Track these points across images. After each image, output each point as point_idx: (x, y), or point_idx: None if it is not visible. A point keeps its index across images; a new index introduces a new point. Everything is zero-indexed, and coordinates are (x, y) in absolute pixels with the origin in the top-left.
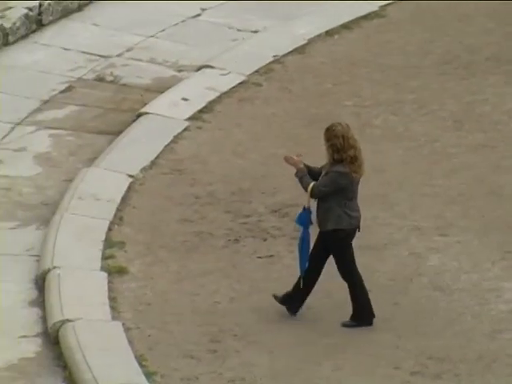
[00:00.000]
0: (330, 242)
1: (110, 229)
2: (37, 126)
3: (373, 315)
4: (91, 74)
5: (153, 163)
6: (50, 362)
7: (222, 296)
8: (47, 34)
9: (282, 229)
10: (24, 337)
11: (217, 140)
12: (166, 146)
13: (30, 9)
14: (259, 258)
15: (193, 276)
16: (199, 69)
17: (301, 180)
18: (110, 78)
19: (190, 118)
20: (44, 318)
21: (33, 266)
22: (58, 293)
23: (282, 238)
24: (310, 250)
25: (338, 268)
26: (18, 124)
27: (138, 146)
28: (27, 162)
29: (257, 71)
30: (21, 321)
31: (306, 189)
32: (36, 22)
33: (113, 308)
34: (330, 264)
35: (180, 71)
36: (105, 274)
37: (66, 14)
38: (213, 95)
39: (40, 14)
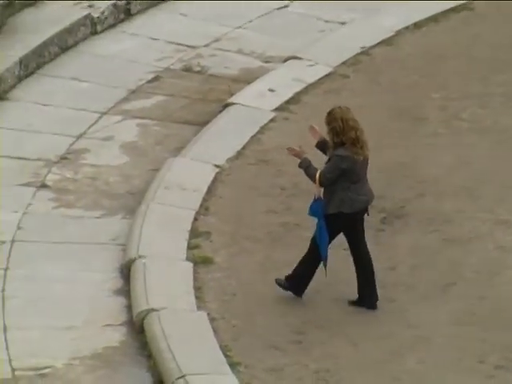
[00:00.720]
0: (331, 224)
1: (195, 219)
2: (123, 115)
3: (376, 298)
4: (178, 64)
5: (239, 153)
6: (135, 351)
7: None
8: (135, 24)
9: (367, 220)
10: (109, 326)
11: (303, 131)
12: (252, 137)
13: None
14: (344, 249)
15: (277, 267)
16: (286, 60)
17: (306, 170)
18: (197, 69)
19: (276, 109)
20: (129, 307)
21: (118, 255)
22: (143, 282)
23: (368, 229)
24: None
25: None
26: (105, 113)
27: (225, 137)
28: (114, 151)
29: (344, 63)
30: (106, 310)
31: (312, 178)
32: (124, 12)
33: (198, 298)
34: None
35: (267, 62)
36: (190, 264)
37: (154, 3)
38: (300, 86)
39: (128, 3)
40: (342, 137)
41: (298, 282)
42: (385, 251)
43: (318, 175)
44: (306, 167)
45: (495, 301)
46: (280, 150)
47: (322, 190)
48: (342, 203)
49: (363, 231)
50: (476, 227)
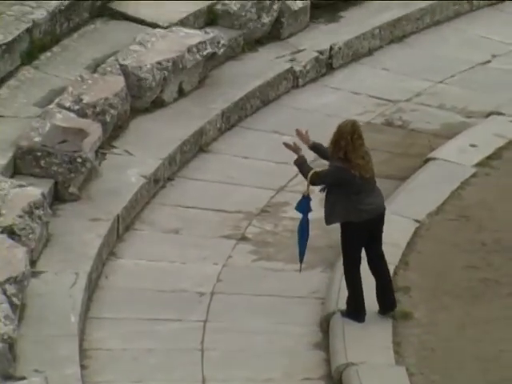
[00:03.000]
0: (352, 233)
1: (395, 273)
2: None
3: (391, 304)
4: (380, 119)
5: (439, 209)
6: None
7: (507, 344)
8: (337, 78)
9: None
10: (307, 379)
11: (504, 187)
12: (452, 192)
13: (321, 52)
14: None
15: (477, 323)
16: (488, 115)
17: (300, 167)
18: (398, 123)
19: (477, 165)
20: (328, 361)
21: (318, 308)
22: (342, 336)
23: None
24: None
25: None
26: None
27: (425, 192)
28: (313, 204)
29: None
30: (305, 363)
31: (305, 176)
32: (326, 66)
33: (396, 353)
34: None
35: (469, 117)
36: (390, 319)
37: (356, 57)
38: (501, 142)
39: (330, 57)
40: (336, 151)
41: (354, 306)
42: None
43: (310, 174)
44: (301, 164)
45: None
46: (481, 206)
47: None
48: (348, 213)
49: (378, 241)
50: None
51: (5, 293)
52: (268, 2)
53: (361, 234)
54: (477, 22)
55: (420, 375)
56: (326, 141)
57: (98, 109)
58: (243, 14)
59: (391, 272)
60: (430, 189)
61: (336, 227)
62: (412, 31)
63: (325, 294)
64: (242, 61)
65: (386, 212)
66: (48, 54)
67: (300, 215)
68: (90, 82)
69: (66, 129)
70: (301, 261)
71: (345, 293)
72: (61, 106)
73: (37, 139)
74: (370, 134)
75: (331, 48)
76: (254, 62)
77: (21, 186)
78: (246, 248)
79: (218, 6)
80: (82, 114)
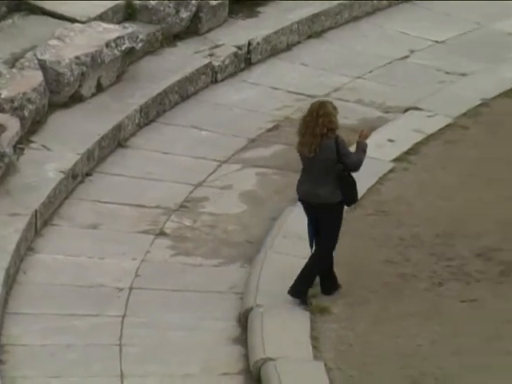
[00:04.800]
0: (333, 214)
1: None
2: (243, 164)
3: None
4: (298, 114)
5: (357, 204)
6: None
7: (423, 339)
8: (255, 73)
9: (485, 272)
10: (226, 374)
11: (422, 182)
12: (370, 187)
13: (239, 47)
14: (462, 301)
15: (394, 318)
16: (406, 110)
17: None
18: None
19: (395, 160)
20: (246, 356)
21: (236, 303)
22: (260, 331)
23: (486, 281)
24: None
25: None
26: (224, 162)
27: None
28: (232, 199)
29: (464, 114)
30: (223, 358)
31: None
32: (245, 61)
33: (314, 348)
34: None
35: (387, 112)
36: (307, 314)
37: (275, 53)
38: (419, 137)
39: (249, 52)
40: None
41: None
42: (503, 303)
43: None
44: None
45: None
46: (398, 201)
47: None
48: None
49: None
50: None
51: None
52: None
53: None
54: (395, 18)
55: (338, 370)
56: (246, 134)
57: (16, 104)
58: (162, 8)
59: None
60: None
61: (255, 222)
62: (330, 26)
63: (243, 290)
64: (160, 56)
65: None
66: None
67: None
68: (8, 76)
69: None
70: (311, 245)
71: (264, 287)
72: None
73: None
74: (289, 129)
75: (250, 43)
76: (172, 57)
77: None
78: (164, 243)
79: (137, 1)
80: None
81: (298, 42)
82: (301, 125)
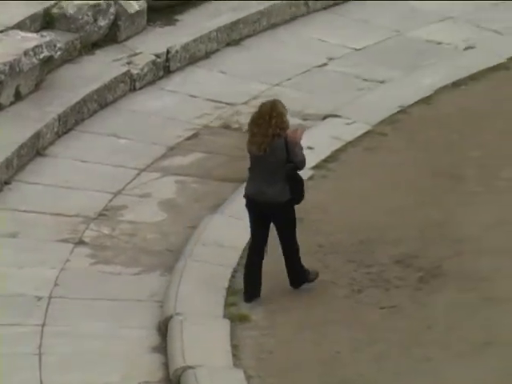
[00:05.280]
0: (287, 212)
1: (233, 276)
2: (162, 172)
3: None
4: (217, 122)
5: None
6: None
7: (343, 346)
8: (174, 81)
9: (405, 279)
10: (146, 382)
11: (341, 189)
12: None
13: (158, 55)
14: (382, 308)
15: (315, 325)
16: (325, 118)
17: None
18: (235, 126)
19: (314, 167)
20: (166, 365)
21: (156, 312)
22: (180, 339)
23: (405, 288)
24: None
25: None
26: (144, 170)
27: None
28: (152, 208)
29: (382, 121)
30: (143, 366)
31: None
32: (163, 69)
33: (234, 355)
34: None
35: (305, 120)
36: (227, 322)
37: (194, 60)
38: (338, 144)
39: (167, 60)
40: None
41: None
42: (421, 310)
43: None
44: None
45: None
46: (318, 208)
47: None
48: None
49: None
50: None
51: None
52: (105, 5)
53: (250, 207)
54: (313, 25)
55: (258, 378)
56: (165, 142)
57: None
58: (80, 17)
59: (229, 276)
60: None
61: (174, 230)
62: (249, 34)
63: (163, 298)
64: (79, 64)
65: (224, 215)
66: None
67: None
68: None
69: None
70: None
71: (184, 296)
72: None
73: None
74: (208, 137)
75: (168, 51)
76: (91, 65)
77: None
78: (83, 252)
79: (55, 10)
80: None
81: (217, 50)
82: (251, 124)
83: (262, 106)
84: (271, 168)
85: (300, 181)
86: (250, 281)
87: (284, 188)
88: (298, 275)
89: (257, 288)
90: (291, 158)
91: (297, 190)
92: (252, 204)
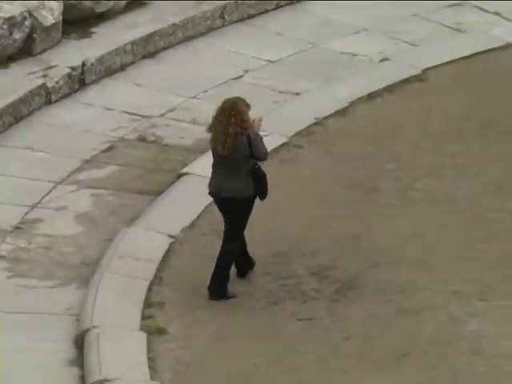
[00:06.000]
0: (243, 207)
1: (149, 289)
2: (78, 185)
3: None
4: (133, 134)
5: (193, 224)
6: None
7: (259, 358)
8: (89, 94)
9: (321, 291)
10: None
11: (257, 201)
12: (206, 207)
13: (73, 68)
14: (298, 320)
15: (231, 337)
16: None
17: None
18: (151, 138)
19: None
20: (83, 378)
21: (73, 325)
22: (96, 352)
23: (322, 300)
24: None
25: None
26: (59, 183)
27: (179, 207)
28: (68, 221)
29: (298, 133)
30: (59, 380)
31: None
32: (79, 81)
33: (152, 368)
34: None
35: None
36: (144, 334)
37: (109, 73)
38: None
39: (83, 73)
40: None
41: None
42: (338, 322)
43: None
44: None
45: (448, 372)
46: None
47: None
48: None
49: None
50: (429, 298)
51: None
52: (20, 18)
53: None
54: (228, 37)
55: None
56: (80, 155)
57: None
58: None
59: (145, 289)
60: (183, 204)
61: (90, 243)
62: (164, 46)
63: (79, 311)
64: None
65: (140, 228)
66: None
67: None
68: None
69: None
70: None
71: (100, 309)
72: None
73: None
74: (124, 150)
75: (83, 64)
76: (5, 78)
77: None
78: None
79: None
80: None
81: (132, 63)
82: (212, 123)
83: (224, 103)
84: (235, 165)
85: (263, 175)
86: (236, 263)
87: (248, 183)
88: (220, 285)
89: (243, 268)
90: (253, 154)
91: (261, 184)
92: (216, 199)
